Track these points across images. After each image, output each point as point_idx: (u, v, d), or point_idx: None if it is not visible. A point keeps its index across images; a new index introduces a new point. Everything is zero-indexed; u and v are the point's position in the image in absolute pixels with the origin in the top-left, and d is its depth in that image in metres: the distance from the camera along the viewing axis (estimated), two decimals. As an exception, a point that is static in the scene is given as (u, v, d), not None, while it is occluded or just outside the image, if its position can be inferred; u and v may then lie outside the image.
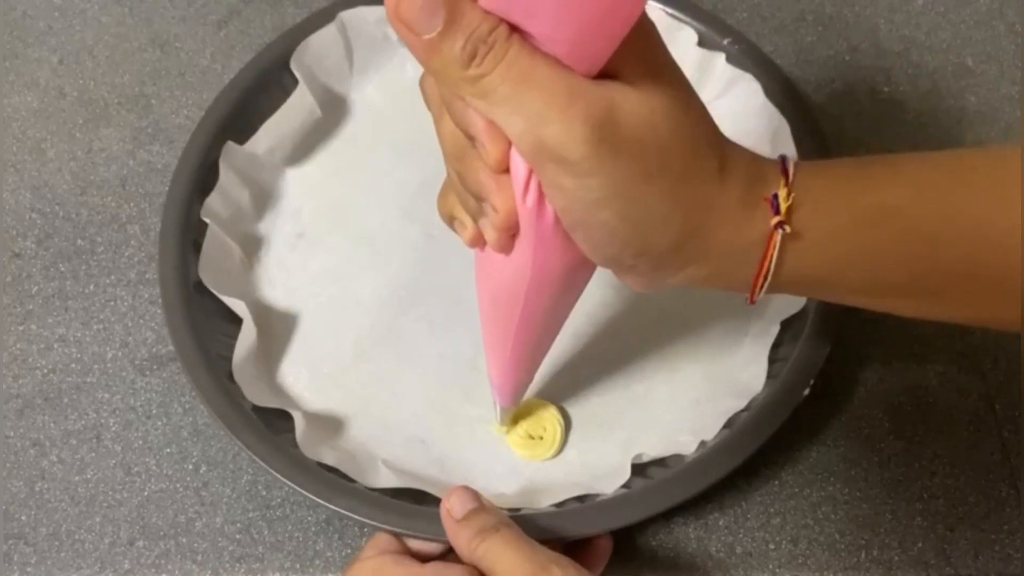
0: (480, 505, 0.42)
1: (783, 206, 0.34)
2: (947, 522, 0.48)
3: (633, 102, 0.31)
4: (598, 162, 0.31)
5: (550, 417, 0.49)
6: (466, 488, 0.42)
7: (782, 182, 0.35)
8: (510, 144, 0.32)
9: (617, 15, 0.29)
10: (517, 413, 0.49)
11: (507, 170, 0.33)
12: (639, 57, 0.32)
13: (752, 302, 0.37)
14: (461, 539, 0.40)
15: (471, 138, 0.33)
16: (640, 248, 0.34)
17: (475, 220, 0.36)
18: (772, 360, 0.48)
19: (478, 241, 0.37)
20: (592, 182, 0.31)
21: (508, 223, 0.34)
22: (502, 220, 0.34)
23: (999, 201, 0.35)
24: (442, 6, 0.30)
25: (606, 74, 0.31)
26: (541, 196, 0.33)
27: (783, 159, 0.35)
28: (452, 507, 0.41)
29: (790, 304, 0.49)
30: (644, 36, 0.32)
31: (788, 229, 0.34)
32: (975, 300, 0.37)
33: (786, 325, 0.49)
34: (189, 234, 0.51)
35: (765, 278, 0.36)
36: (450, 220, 0.39)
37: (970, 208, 0.35)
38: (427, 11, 0.30)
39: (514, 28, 0.30)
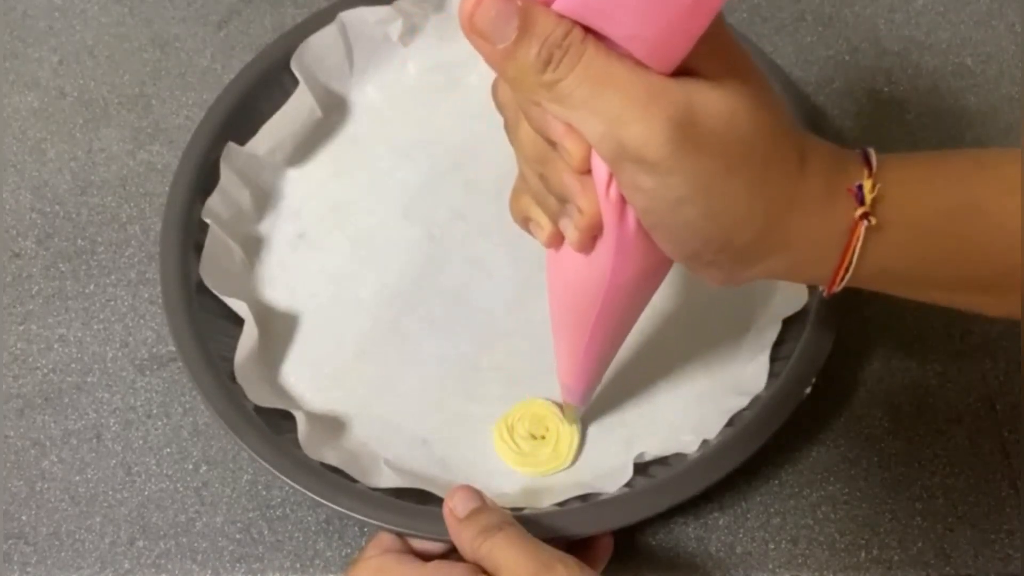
0: (483, 504, 0.42)
1: (868, 197, 0.34)
2: (947, 522, 0.48)
3: (712, 98, 0.31)
4: (680, 161, 0.31)
5: (558, 419, 0.49)
6: (469, 487, 0.42)
7: (866, 173, 0.34)
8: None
9: (699, 12, 0.29)
10: (510, 415, 0.49)
11: (590, 171, 0.33)
12: (715, 52, 0.31)
13: (829, 294, 0.37)
14: (464, 538, 0.40)
15: (551, 142, 0.33)
16: (723, 244, 0.34)
17: (555, 221, 0.36)
18: (774, 359, 0.48)
19: (555, 242, 0.37)
20: (674, 181, 0.31)
21: (593, 224, 0.34)
22: (587, 221, 0.34)
23: None
24: (516, 13, 0.30)
25: (682, 71, 0.31)
26: (622, 198, 0.33)
27: (864, 151, 0.35)
28: (455, 506, 0.41)
29: (791, 303, 0.50)
30: (718, 31, 0.32)
31: (873, 221, 0.34)
32: None
33: (787, 324, 0.49)
34: (190, 234, 0.51)
35: (847, 271, 0.35)
36: (524, 221, 0.38)
37: None
38: (502, 19, 0.30)
39: (587, 30, 0.30)
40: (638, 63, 0.30)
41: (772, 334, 0.49)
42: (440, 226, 0.55)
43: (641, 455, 0.46)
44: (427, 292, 0.53)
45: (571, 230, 0.35)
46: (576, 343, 0.41)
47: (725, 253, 0.34)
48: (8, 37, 0.63)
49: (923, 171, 0.36)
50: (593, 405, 0.49)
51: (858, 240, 0.34)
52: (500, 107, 0.35)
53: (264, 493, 0.49)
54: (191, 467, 0.49)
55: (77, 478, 0.49)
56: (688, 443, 0.47)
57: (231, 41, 0.62)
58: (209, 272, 0.50)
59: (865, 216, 0.34)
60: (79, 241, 0.55)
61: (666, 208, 0.32)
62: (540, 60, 0.30)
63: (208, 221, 0.51)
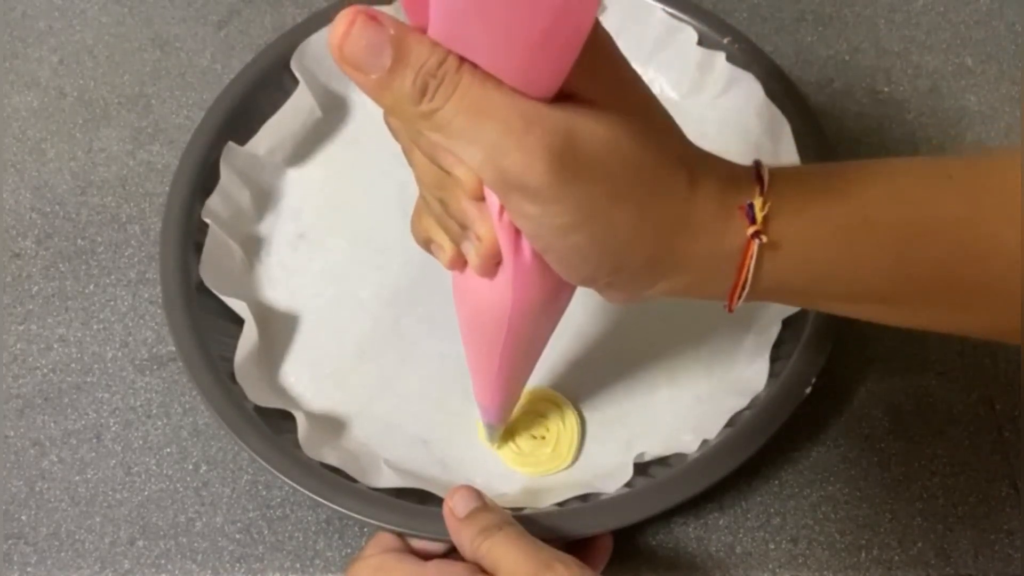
0: (483, 504, 0.42)
1: (759, 215, 0.33)
2: (947, 522, 0.48)
3: (593, 123, 0.30)
4: (561, 188, 0.30)
5: (559, 418, 0.49)
6: (469, 487, 0.42)
7: (757, 190, 0.34)
8: None
9: (558, 39, 0.28)
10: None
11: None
12: (596, 74, 0.31)
13: (731, 311, 0.37)
14: (464, 538, 0.40)
15: (444, 170, 0.32)
16: (614, 267, 0.33)
17: (458, 244, 0.36)
18: (774, 359, 0.48)
19: (457, 264, 0.37)
20: (557, 208, 0.31)
21: (492, 250, 0.34)
22: (486, 248, 0.34)
23: (975, 207, 0.34)
24: (388, 42, 0.29)
25: (564, 96, 0.30)
26: (514, 225, 0.33)
27: (757, 165, 0.35)
28: (455, 506, 0.41)
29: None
30: (601, 52, 0.31)
31: (765, 239, 0.34)
32: (955, 307, 0.37)
33: (787, 324, 0.49)
34: (190, 234, 0.51)
35: (743, 288, 0.35)
36: (426, 243, 0.38)
37: (947, 214, 0.35)
38: (373, 49, 0.29)
39: (463, 58, 0.29)
40: (516, 90, 0.29)
41: (772, 334, 0.49)
42: (440, 226, 0.55)
43: (641, 455, 0.46)
44: (427, 292, 0.53)
45: (472, 255, 0.35)
46: (487, 365, 0.41)
47: (619, 275, 0.34)
48: (8, 37, 0.63)
49: (815, 186, 0.35)
50: (593, 405, 0.50)
51: (751, 258, 0.34)
52: (392, 132, 0.34)
53: (264, 493, 0.49)
54: (191, 467, 0.49)
55: (77, 478, 0.49)
56: (688, 443, 0.47)
57: (231, 41, 0.62)
58: (209, 272, 0.50)
59: (757, 235, 0.34)
60: (79, 241, 0.55)
61: (552, 234, 0.32)
62: (416, 89, 0.29)
63: (208, 221, 0.51)
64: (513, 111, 0.29)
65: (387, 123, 0.34)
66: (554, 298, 0.37)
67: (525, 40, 0.28)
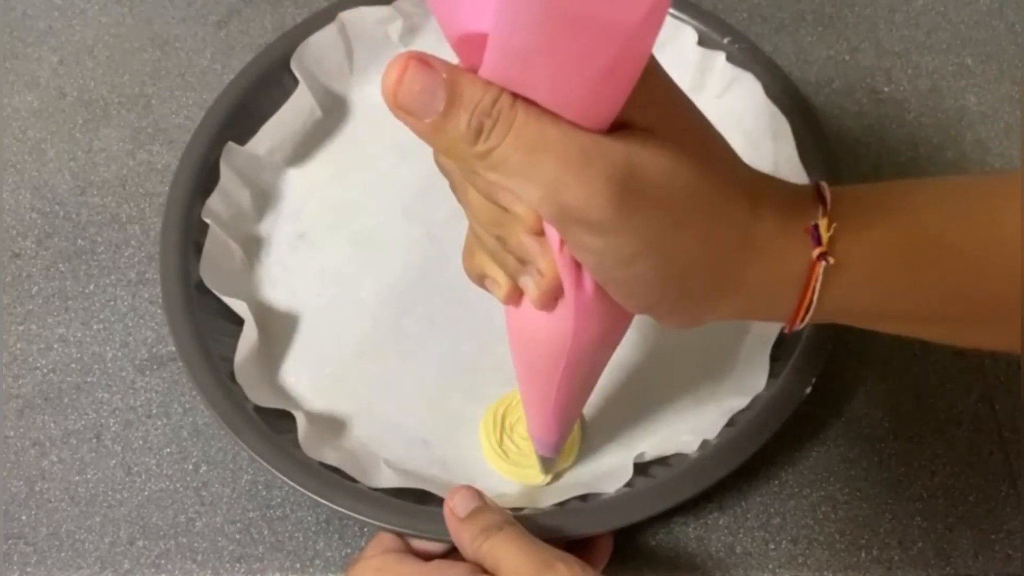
0: (483, 504, 0.42)
1: (824, 236, 0.33)
2: (947, 522, 0.48)
3: (651, 152, 0.30)
4: (623, 219, 0.30)
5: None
6: (469, 487, 0.42)
7: (820, 211, 0.34)
8: None
9: (620, 69, 0.28)
10: (502, 411, 0.49)
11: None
12: (652, 103, 0.31)
13: (790, 332, 0.36)
14: (464, 538, 0.40)
15: (501, 207, 0.32)
16: (677, 294, 0.33)
17: (514, 278, 0.36)
18: (774, 359, 0.48)
19: (513, 299, 0.37)
20: (620, 239, 0.30)
21: (554, 285, 0.34)
22: (548, 283, 0.34)
23: None
24: (441, 85, 0.29)
25: (620, 125, 0.30)
26: (575, 259, 0.32)
27: (818, 187, 0.34)
28: (455, 506, 0.41)
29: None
30: (653, 79, 0.31)
31: (831, 260, 0.33)
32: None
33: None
34: (190, 234, 0.51)
35: (807, 310, 0.34)
36: (480, 279, 0.37)
37: (1015, 234, 0.34)
38: (426, 94, 0.29)
39: (517, 94, 0.29)
40: (572, 123, 0.29)
41: (772, 334, 0.49)
42: (440, 226, 0.55)
43: (641, 455, 0.46)
44: (427, 292, 0.53)
45: (532, 288, 0.35)
46: (543, 399, 0.40)
47: (681, 302, 0.34)
48: (8, 37, 0.63)
49: (879, 205, 0.35)
50: (593, 405, 0.49)
51: (817, 280, 0.34)
52: (444, 172, 0.34)
53: (264, 493, 0.49)
54: (191, 467, 0.49)
55: (77, 478, 0.49)
56: (688, 443, 0.47)
57: (231, 41, 0.62)
58: (209, 272, 0.50)
59: (823, 256, 0.33)
60: (79, 241, 0.55)
61: (615, 265, 0.32)
62: (471, 131, 0.29)
63: (208, 221, 0.51)
64: (571, 145, 0.29)
65: (438, 163, 0.34)
66: (614, 328, 0.37)
67: (589, 73, 0.27)
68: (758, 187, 0.34)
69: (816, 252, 0.33)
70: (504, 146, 0.29)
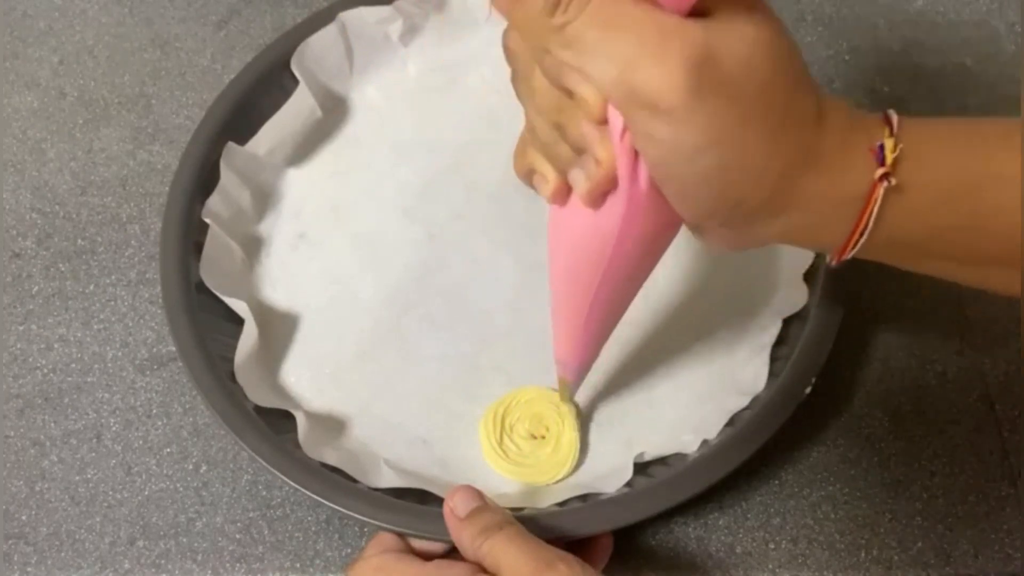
0: (483, 504, 0.42)
1: (889, 157, 0.32)
2: (947, 522, 0.48)
3: (730, 40, 0.29)
4: (695, 106, 0.29)
5: (558, 418, 0.48)
6: (469, 487, 0.42)
7: (887, 131, 0.33)
8: None
9: None
10: (507, 407, 0.49)
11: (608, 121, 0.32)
12: None
13: (839, 261, 0.35)
14: (464, 537, 0.40)
15: (567, 91, 0.31)
16: (736, 200, 0.32)
17: (564, 174, 0.35)
18: (774, 359, 0.48)
19: (560, 195, 0.36)
20: (688, 129, 0.30)
21: (609, 176, 0.33)
22: (604, 172, 0.33)
23: None
24: None
25: (697, 13, 0.29)
26: (635, 151, 0.32)
27: (885, 112, 0.33)
28: (455, 506, 0.41)
29: (792, 302, 0.50)
30: None
31: (893, 181, 0.32)
32: None
33: (787, 323, 0.49)
34: (190, 234, 0.51)
35: (861, 235, 0.33)
36: (528, 175, 0.37)
37: None
38: None
39: None
40: (651, 3, 0.29)
41: (772, 333, 0.49)
42: (440, 226, 0.55)
43: (641, 455, 0.46)
44: (427, 292, 0.53)
45: (583, 182, 0.34)
46: (576, 312, 0.40)
47: (737, 211, 0.32)
48: (8, 37, 0.63)
49: (946, 135, 0.34)
50: (593, 405, 0.50)
51: (876, 202, 0.32)
52: (510, 57, 0.33)
53: (264, 493, 0.49)
54: (191, 467, 0.49)
55: (77, 478, 0.49)
56: (688, 443, 0.47)
57: (231, 41, 0.62)
58: (209, 272, 0.50)
59: (885, 176, 0.32)
60: (79, 241, 0.55)
61: (679, 159, 0.31)
62: (549, 3, 0.29)
63: (208, 221, 0.51)
64: (649, 24, 0.29)
65: (506, 48, 0.33)
66: (658, 237, 0.36)
67: None
68: (826, 102, 0.33)
69: (879, 172, 0.32)
70: (581, 21, 0.29)
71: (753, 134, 0.30)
